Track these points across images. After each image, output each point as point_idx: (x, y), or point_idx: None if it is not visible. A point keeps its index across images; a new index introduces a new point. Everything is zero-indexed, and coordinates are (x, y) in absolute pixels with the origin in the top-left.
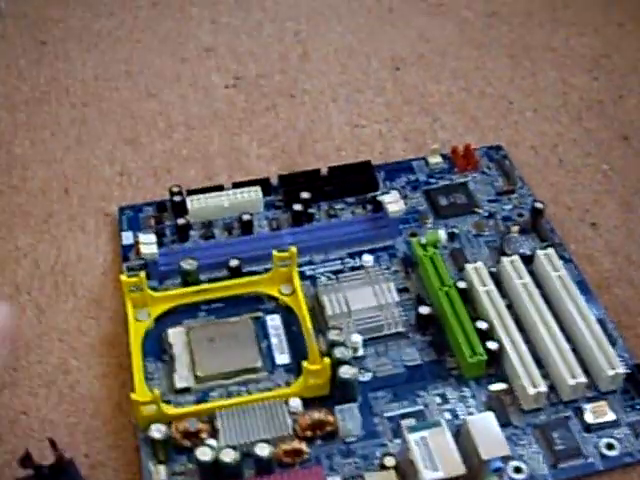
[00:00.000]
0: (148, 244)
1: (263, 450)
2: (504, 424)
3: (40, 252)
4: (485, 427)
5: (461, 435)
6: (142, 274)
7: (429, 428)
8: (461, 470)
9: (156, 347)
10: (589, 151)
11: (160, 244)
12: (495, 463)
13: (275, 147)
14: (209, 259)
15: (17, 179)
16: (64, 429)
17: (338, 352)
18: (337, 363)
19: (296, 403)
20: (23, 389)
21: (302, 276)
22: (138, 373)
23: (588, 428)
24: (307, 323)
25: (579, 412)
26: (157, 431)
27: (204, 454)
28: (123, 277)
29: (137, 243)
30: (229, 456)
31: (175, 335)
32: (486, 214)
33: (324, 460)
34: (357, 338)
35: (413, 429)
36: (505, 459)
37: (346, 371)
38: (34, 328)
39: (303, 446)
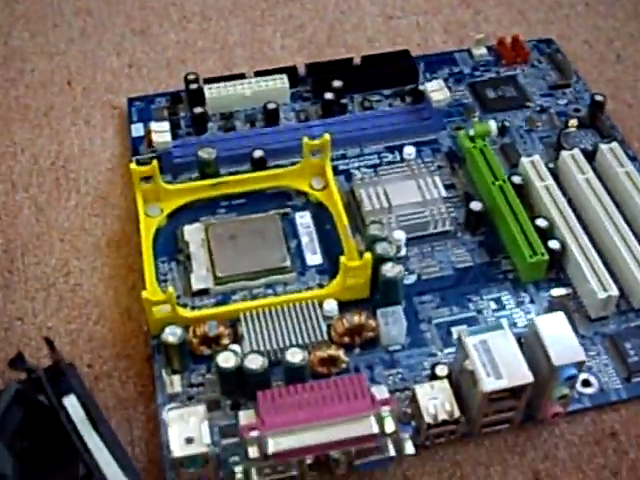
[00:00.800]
0: (161, 132)
1: (295, 356)
2: None
3: (39, 147)
4: (556, 329)
5: (527, 339)
6: (154, 162)
7: (490, 331)
8: (528, 378)
9: (170, 246)
10: None
11: (174, 137)
12: (568, 370)
13: (301, 38)
14: (229, 151)
15: (15, 72)
16: (65, 337)
17: (380, 248)
18: (379, 260)
19: (332, 306)
20: (19, 293)
21: (335, 171)
22: (149, 272)
23: None
24: (343, 219)
25: None
26: (172, 334)
27: (226, 360)
28: (132, 165)
29: (148, 134)
30: (255, 362)
31: (192, 232)
32: (538, 109)
33: (364, 370)
34: (400, 235)
35: (471, 332)
36: (579, 366)
37: (389, 269)
38: (32, 227)
39: (340, 354)
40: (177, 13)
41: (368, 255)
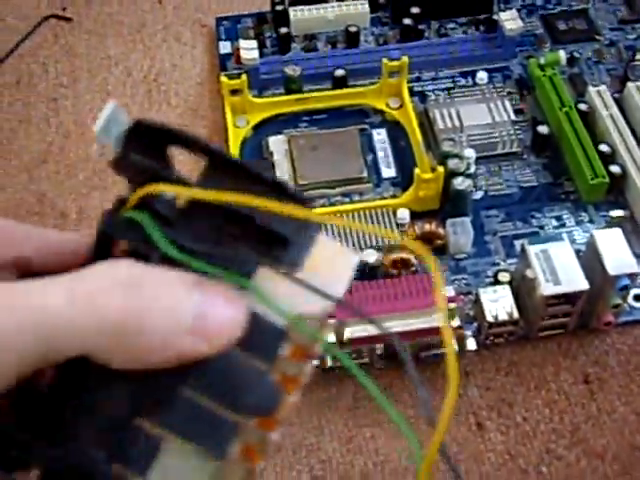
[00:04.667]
0: (249, 49)
1: (370, 257)
2: None
3: (133, 61)
4: (613, 242)
5: (586, 251)
6: (243, 76)
7: (550, 242)
8: (584, 285)
9: (255, 156)
10: None
11: (260, 55)
12: (622, 280)
13: None
14: (312, 70)
15: None
16: None
17: (452, 163)
18: (450, 174)
19: (404, 214)
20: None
21: (410, 92)
22: None
23: None
24: (417, 135)
25: None
26: None
27: None
28: (223, 77)
29: (237, 51)
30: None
31: (276, 143)
32: (607, 42)
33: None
34: (470, 153)
35: (533, 241)
36: (633, 277)
37: (460, 182)
38: None
39: (412, 257)
40: None
41: (441, 169)
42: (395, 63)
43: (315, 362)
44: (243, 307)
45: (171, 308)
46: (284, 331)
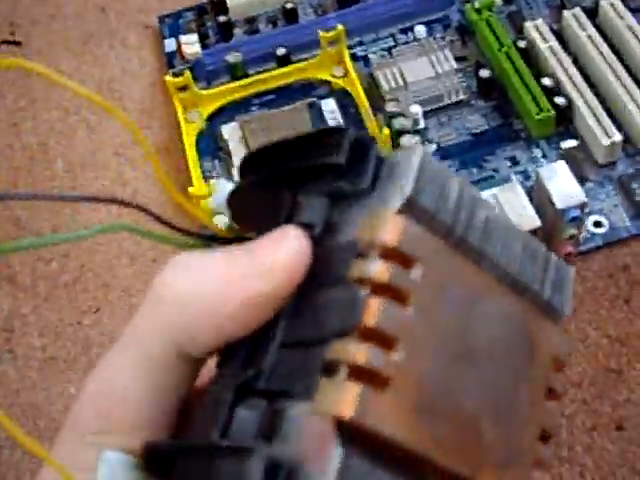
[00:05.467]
0: (190, 44)
1: None
2: (580, 180)
3: (84, 73)
4: (558, 176)
5: (534, 189)
6: (187, 72)
7: (499, 185)
8: (536, 223)
9: (211, 146)
10: None
11: (205, 46)
12: (572, 212)
13: None
14: (255, 52)
15: (52, 7)
16: None
17: (397, 123)
18: (397, 134)
19: None
20: (82, 206)
21: (354, 58)
22: (195, 170)
23: None
24: (363, 100)
25: None
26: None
27: None
28: (168, 78)
29: (180, 47)
30: None
31: (229, 131)
32: None
33: None
34: (416, 109)
35: (483, 188)
36: (582, 208)
37: (407, 141)
38: (87, 146)
39: None
40: None
41: (386, 130)
42: (331, 33)
43: None
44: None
45: None
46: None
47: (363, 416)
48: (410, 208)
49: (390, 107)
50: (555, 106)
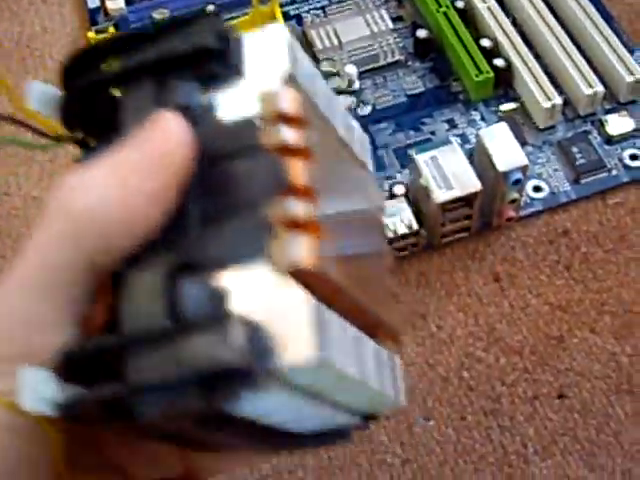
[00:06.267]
0: (114, 0)
1: None
2: (519, 144)
3: (2, 31)
4: (500, 138)
5: (475, 152)
6: (110, 29)
7: (439, 147)
8: (477, 186)
9: None
10: None
11: (129, 2)
12: (514, 175)
13: None
14: (183, 9)
15: None
16: None
17: (332, 83)
18: None
19: None
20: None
21: (286, 17)
22: None
23: (609, 140)
24: None
25: (599, 125)
26: None
27: None
28: (90, 34)
29: (103, 3)
30: None
31: None
32: None
33: None
34: (351, 69)
35: (421, 150)
36: (524, 171)
37: (342, 101)
38: (5, 107)
39: None
40: None
41: None
42: None
43: None
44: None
45: None
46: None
47: (319, 264)
48: (290, 80)
49: (324, 67)
50: (494, 68)
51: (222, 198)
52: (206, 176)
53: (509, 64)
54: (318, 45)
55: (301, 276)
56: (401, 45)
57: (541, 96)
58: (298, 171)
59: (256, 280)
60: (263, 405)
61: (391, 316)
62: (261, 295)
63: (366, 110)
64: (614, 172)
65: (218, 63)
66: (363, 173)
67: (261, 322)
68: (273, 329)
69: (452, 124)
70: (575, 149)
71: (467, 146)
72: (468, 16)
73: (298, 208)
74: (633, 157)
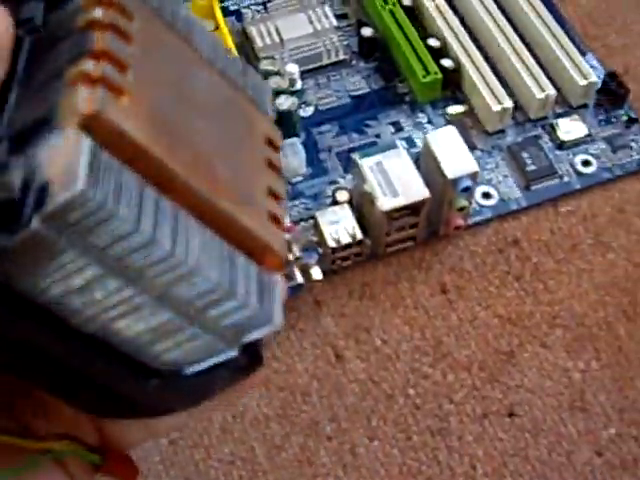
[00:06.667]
0: None
1: None
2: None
3: None
4: (448, 143)
5: (421, 156)
6: None
7: (384, 152)
8: (425, 194)
9: None
10: None
11: None
12: (463, 182)
13: None
14: None
15: None
16: None
17: (273, 82)
18: (273, 94)
19: None
20: None
21: (225, 12)
22: None
23: (561, 145)
24: None
25: (550, 129)
26: None
27: None
28: None
29: None
30: None
31: None
32: None
33: None
34: (293, 68)
35: (365, 154)
36: (474, 177)
37: (283, 101)
38: None
39: None
40: None
41: None
42: None
43: None
44: None
45: None
46: None
47: (104, 110)
48: None
49: (264, 65)
50: (442, 69)
51: (35, 78)
52: (33, 68)
53: (458, 65)
54: (258, 43)
55: (93, 129)
56: (345, 44)
57: (491, 99)
58: (104, 40)
59: (44, 134)
60: (59, 273)
61: (259, 225)
62: (46, 145)
63: (308, 111)
64: (566, 178)
65: None
66: (251, 108)
67: (40, 167)
68: (49, 172)
69: (398, 127)
70: (525, 154)
71: (413, 150)
72: (415, 14)
73: (93, 66)
74: (585, 163)
